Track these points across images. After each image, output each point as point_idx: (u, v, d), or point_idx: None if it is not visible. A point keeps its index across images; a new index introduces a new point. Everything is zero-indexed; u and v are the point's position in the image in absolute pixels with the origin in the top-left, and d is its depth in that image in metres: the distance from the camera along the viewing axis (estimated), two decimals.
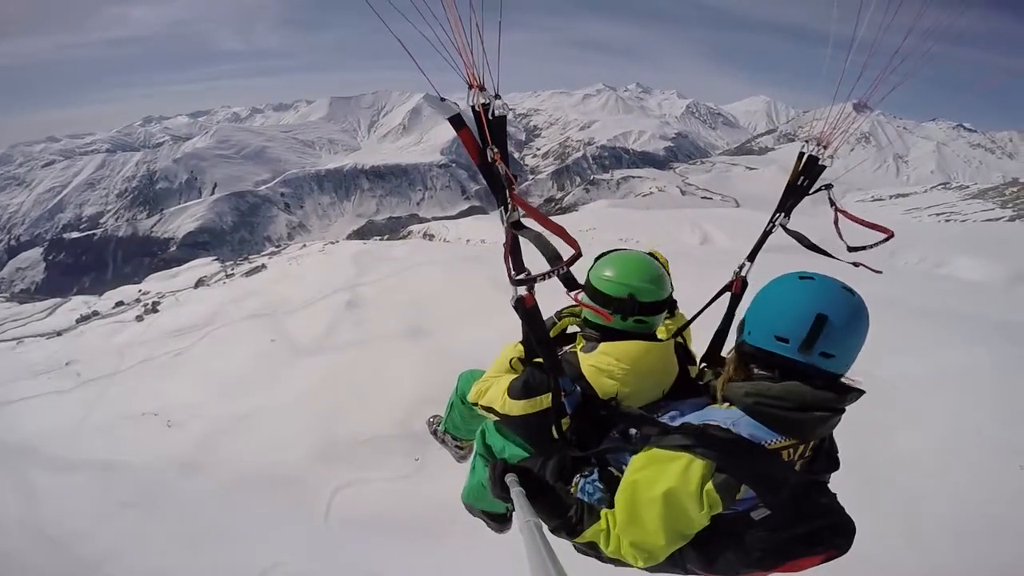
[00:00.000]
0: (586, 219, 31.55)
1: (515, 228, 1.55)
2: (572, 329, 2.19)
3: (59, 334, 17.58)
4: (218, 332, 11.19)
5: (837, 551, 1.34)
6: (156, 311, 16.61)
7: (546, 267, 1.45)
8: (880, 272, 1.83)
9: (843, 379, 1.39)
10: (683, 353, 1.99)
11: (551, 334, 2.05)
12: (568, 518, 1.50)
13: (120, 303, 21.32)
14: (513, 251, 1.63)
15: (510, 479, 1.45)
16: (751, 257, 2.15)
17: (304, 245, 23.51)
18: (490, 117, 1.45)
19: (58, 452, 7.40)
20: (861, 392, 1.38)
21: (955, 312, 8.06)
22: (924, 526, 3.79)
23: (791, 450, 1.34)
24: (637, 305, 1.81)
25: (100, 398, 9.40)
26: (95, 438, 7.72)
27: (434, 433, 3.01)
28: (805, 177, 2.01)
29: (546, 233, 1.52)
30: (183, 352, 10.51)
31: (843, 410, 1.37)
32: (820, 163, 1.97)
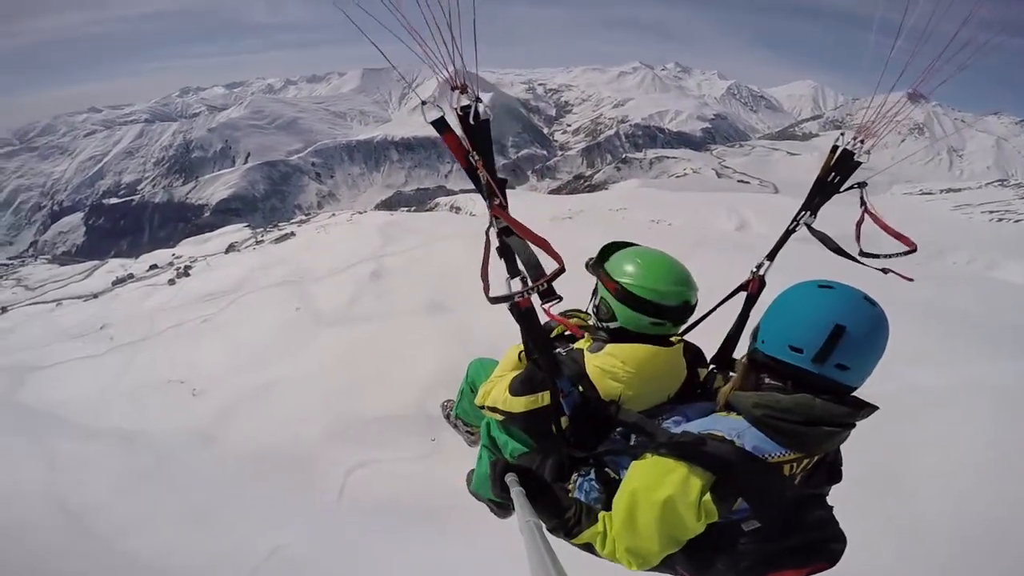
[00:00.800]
0: (616, 199, 30.31)
1: (505, 234, 1.53)
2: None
3: (96, 296, 18.00)
4: (246, 298, 11.10)
5: (826, 564, 1.32)
6: (188, 275, 16.74)
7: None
8: (911, 280, 1.78)
9: (855, 394, 1.36)
10: (693, 355, 1.93)
11: (555, 333, 2.12)
12: (566, 519, 1.50)
13: (154, 266, 21.72)
14: (505, 255, 1.58)
15: (510, 479, 1.45)
16: (771, 256, 2.05)
17: (333, 214, 23.39)
18: (471, 121, 1.39)
19: (83, 420, 7.37)
20: (873, 408, 1.33)
21: (1002, 321, 7.32)
22: (943, 551, 3.46)
23: (794, 464, 1.32)
24: (691, 310, 1.81)
25: (129, 364, 9.40)
26: (121, 406, 7.68)
27: (447, 417, 3.02)
28: (837, 173, 1.87)
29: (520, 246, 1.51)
30: (211, 318, 10.45)
31: (853, 425, 1.33)
32: (856, 159, 1.84)
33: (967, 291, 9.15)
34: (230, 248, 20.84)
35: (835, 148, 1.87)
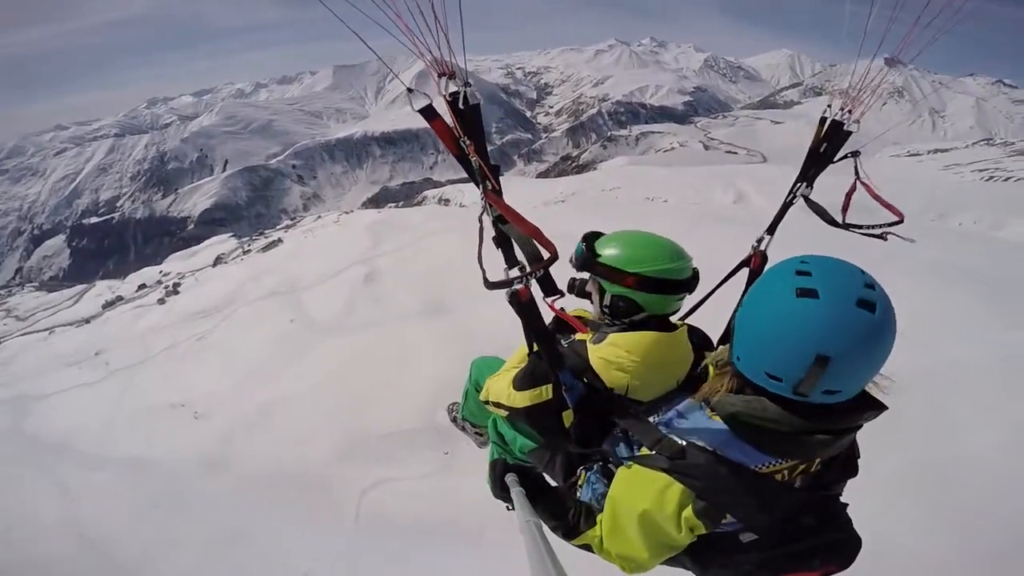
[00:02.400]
0: (609, 178, 29.94)
1: (501, 223, 1.54)
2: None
3: (87, 321, 17.70)
4: (238, 313, 10.88)
5: (836, 568, 1.23)
6: (177, 292, 16.47)
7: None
8: (913, 241, 1.71)
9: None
10: (700, 338, 1.86)
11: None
12: (566, 520, 1.48)
13: (143, 286, 21.39)
14: (502, 244, 1.59)
15: (510, 479, 1.43)
16: (771, 230, 2.00)
17: (319, 217, 23.02)
18: (461, 107, 1.36)
19: (90, 448, 7.28)
20: (881, 410, 1.15)
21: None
22: (993, 538, 3.27)
23: (786, 472, 1.20)
24: (698, 276, 1.78)
25: (128, 389, 9.26)
26: (125, 433, 7.57)
27: (454, 420, 2.99)
28: (828, 143, 1.84)
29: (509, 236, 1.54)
30: (205, 336, 10.25)
31: (856, 429, 1.19)
32: (845, 128, 1.81)
33: (980, 253, 8.98)
34: (218, 261, 20.49)
35: (824, 119, 1.84)
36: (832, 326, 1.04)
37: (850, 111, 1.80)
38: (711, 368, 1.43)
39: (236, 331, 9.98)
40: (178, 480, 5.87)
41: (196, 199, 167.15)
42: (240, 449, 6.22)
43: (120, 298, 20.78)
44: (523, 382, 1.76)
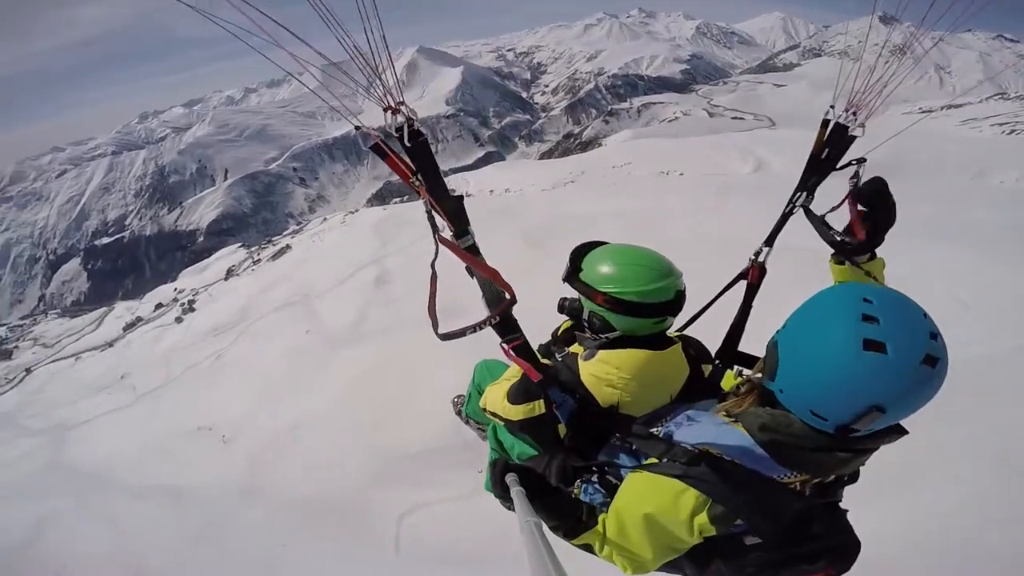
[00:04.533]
0: (617, 154, 29.00)
1: (474, 252, 1.52)
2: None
3: (110, 345, 17.89)
4: (254, 327, 10.78)
5: (835, 571, 1.24)
6: (193, 310, 16.52)
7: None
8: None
9: None
10: (696, 350, 1.84)
11: (560, 331, 2.13)
12: (567, 519, 1.47)
13: (159, 305, 21.52)
14: (473, 274, 1.56)
15: (510, 479, 1.42)
16: (769, 241, 1.91)
17: (324, 219, 22.83)
18: (407, 143, 1.32)
19: (128, 477, 7.23)
20: (901, 434, 1.14)
21: None
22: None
23: (800, 483, 1.21)
24: (683, 297, 1.71)
25: (156, 413, 9.24)
26: (159, 459, 7.53)
27: (458, 414, 3.01)
28: (831, 148, 1.71)
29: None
30: (224, 354, 10.17)
31: (875, 450, 1.17)
32: (850, 132, 1.67)
33: None
34: (229, 273, 20.50)
35: (826, 122, 1.70)
36: (896, 383, 1.02)
37: (855, 113, 1.66)
38: (732, 380, 1.52)
39: (253, 347, 9.88)
40: (216, 509, 5.75)
41: (202, 211, 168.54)
42: (271, 474, 6.10)
43: (139, 319, 20.97)
44: (516, 396, 1.78)
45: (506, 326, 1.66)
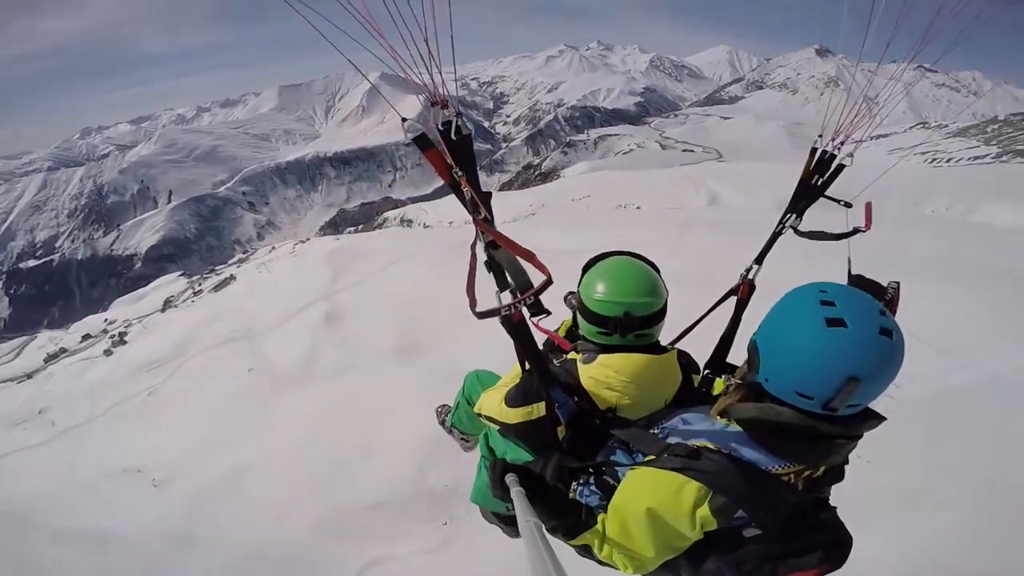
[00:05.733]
0: (576, 187, 29.90)
1: (492, 248, 1.57)
2: None
3: (29, 376, 16.51)
4: (191, 364, 10.20)
5: (831, 566, 1.29)
6: (124, 342, 15.54)
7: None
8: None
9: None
10: (685, 360, 1.92)
11: (562, 332, 2.15)
12: (566, 520, 1.48)
13: (87, 336, 20.02)
14: (494, 269, 1.63)
15: (510, 479, 1.44)
16: (759, 260, 2.04)
17: (273, 247, 22.07)
18: (453, 137, 1.39)
19: (49, 518, 6.65)
20: (881, 419, 1.28)
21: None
22: None
23: (793, 475, 1.28)
24: (636, 321, 1.73)
25: (79, 452, 8.56)
26: (83, 500, 6.94)
27: (442, 423, 3.03)
28: (820, 175, 1.90)
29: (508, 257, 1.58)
30: (156, 390, 9.59)
31: (860, 436, 1.28)
32: (838, 161, 1.86)
33: (990, 243, 8.84)
34: (167, 304, 19.43)
35: (814, 150, 1.88)
36: (862, 352, 1.16)
37: (842, 143, 1.81)
38: (721, 385, 1.61)
39: (190, 384, 9.39)
40: (147, 556, 5.35)
41: (141, 235, 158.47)
42: (209, 523, 5.70)
43: (64, 350, 19.40)
44: (515, 400, 1.80)
45: (539, 305, 1.81)
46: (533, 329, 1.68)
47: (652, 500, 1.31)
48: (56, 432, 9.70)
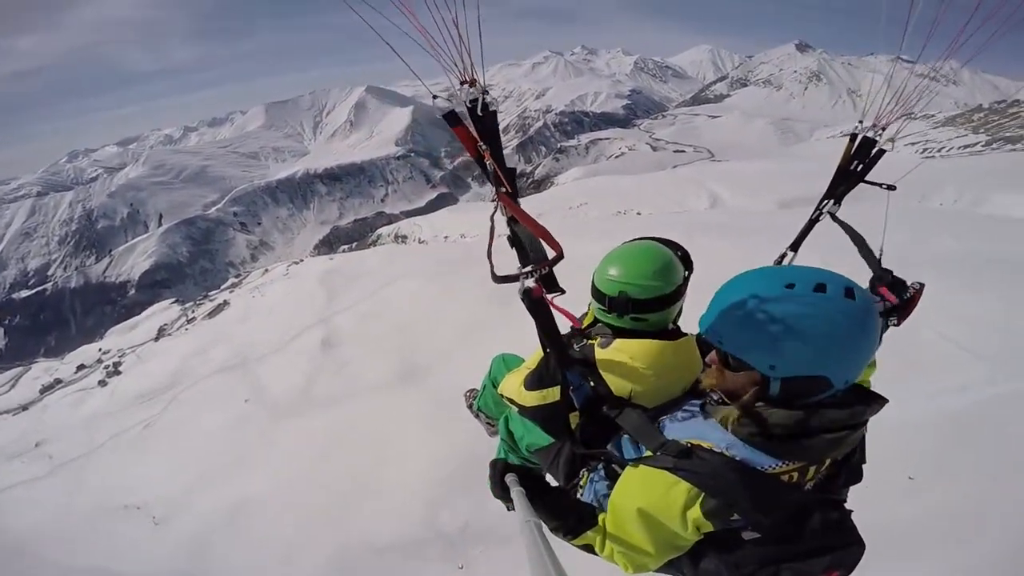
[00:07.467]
0: (572, 194, 29.66)
1: (513, 223, 1.62)
2: None
3: (24, 408, 16.44)
4: (187, 394, 10.12)
5: (841, 572, 1.22)
6: (119, 372, 15.49)
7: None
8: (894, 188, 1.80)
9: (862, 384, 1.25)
10: (703, 347, 1.86)
11: (585, 323, 2.11)
12: (567, 519, 1.48)
13: (81, 366, 19.99)
14: (516, 244, 1.68)
15: (510, 479, 1.44)
16: (794, 247, 2.02)
17: (266, 270, 22.06)
18: (480, 113, 1.46)
19: (50, 553, 6.63)
20: (883, 402, 1.21)
21: None
22: None
23: (794, 473, 1.21)
24: (631, 303, 1.75)
25: (78, 486, 8.47)
26: (85, 537, 6.89)
27: (469, 407, 3.07)
28: (860, 161, 1.84)
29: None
30: (152, 422, 9.53)
31: (863, 424, 1.22)
32: (878, 147, 1.80)
33: (1003, 237, 8.46)
34: (161, 332, 19.39)
35: (854, 136, 1.84)
36: (865, 319, 1.14)
37: (883, 128, 1.76)
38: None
39: (186, 415, 9.34)
40: None
41: (133, 260, 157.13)
42: (216, 566, 5.50)
43: (58, 381, 19.39)
44: (532, 383, 1.85)
45: (551, 281, 1.78)
46: (553, 308, 1.69)
47: (643, 500, 1.28)
48: (54, 465, 9.62)
